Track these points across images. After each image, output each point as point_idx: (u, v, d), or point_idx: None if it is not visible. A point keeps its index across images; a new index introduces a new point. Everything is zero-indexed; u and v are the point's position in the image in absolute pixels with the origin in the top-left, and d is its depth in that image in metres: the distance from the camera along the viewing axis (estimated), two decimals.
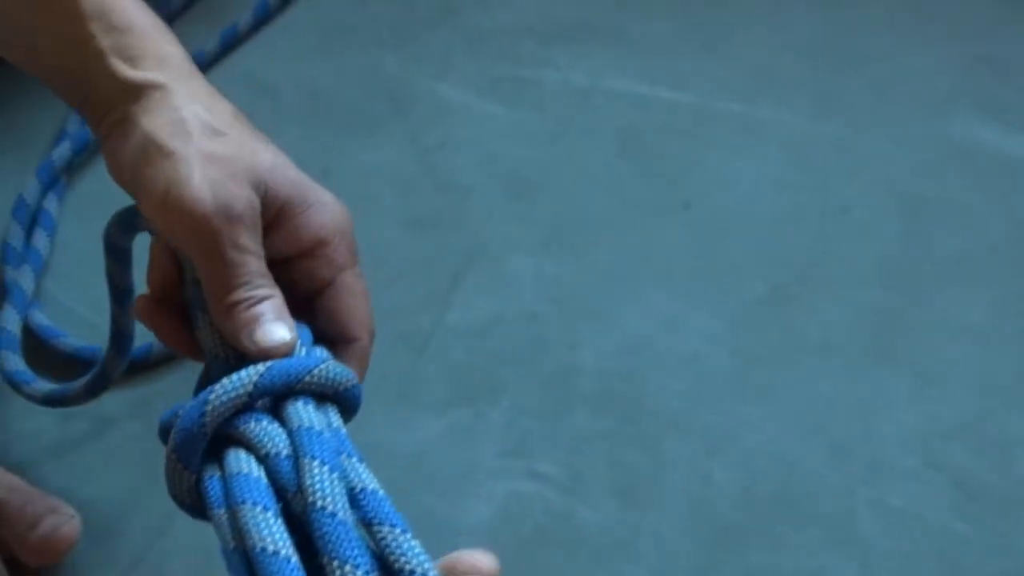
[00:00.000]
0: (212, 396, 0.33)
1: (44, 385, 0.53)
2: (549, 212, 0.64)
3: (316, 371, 0.34)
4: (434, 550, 0.50)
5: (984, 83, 0.71)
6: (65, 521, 0.48)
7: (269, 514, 0.31)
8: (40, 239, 0.62)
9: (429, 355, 0.58)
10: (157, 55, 0.39)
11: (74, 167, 0.68)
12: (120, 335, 0.49)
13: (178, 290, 0.39)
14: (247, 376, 0.33)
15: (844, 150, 0.67)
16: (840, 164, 0.67)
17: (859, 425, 0.54)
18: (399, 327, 0.58)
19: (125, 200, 0.68)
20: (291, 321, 0.36)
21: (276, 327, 0.35)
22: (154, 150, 0.36)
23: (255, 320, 0.35)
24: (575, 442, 0.54)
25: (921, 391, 0.56)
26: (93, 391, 0.51)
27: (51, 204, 0.64)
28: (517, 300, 0.60)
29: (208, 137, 0.37)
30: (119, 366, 0.50)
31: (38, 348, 0.58)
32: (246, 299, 0.36)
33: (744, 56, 0.73)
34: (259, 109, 0.70)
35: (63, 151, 0.66)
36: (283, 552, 0.30)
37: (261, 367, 0.34)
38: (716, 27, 0.74)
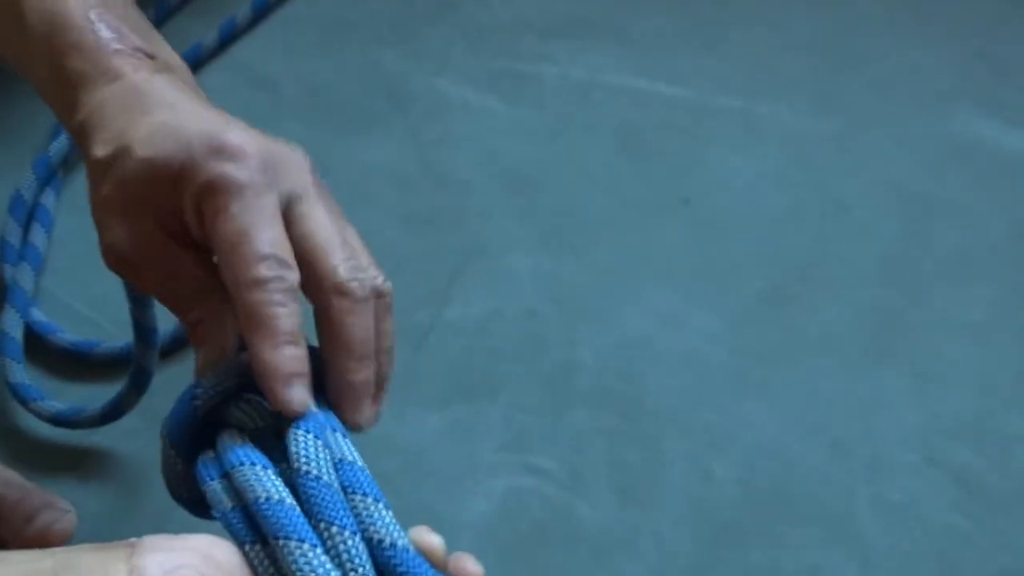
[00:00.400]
0: (204, 381, 0.34)
1: (52, 404, 0.53)
2: (548, 209, 0.64)
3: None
4: None
5: (984, 81, 0.71)
6: (60, 516, 0.48)
7: (269, 471, 0.31)
8: (38, 236, 0.62)
9: (428, 351, 0.57)
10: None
11: (70, 161, 0.67)
12: (140, 371, 0.50)
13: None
14: (239, 364, 0.34)
15: (844, 148, 0.67)
16: (840, 162, 0.67)
17: (859, 423, 0.54)
18: (398, 323, 0.58)
19: None
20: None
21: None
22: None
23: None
24: (574, 439, 0.54)
25: (921, 389, 0.56)
26: (105, 420, 0.51)
27: (48, 200, 0.64)
28: (516, 297, 0.60)
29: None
30: (135, 401, 0.50)
31: (35, 343, 0.58)
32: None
33: (744, 53, 0.73)
34: (258, 104, 0.70)
35: (59, 145, 0.65)
36: (287, 500, 0.30)
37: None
38: (716, 24, 0.74)
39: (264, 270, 0.34)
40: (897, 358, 0.57)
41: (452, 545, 0.51)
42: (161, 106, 0.37)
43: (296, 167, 0.37)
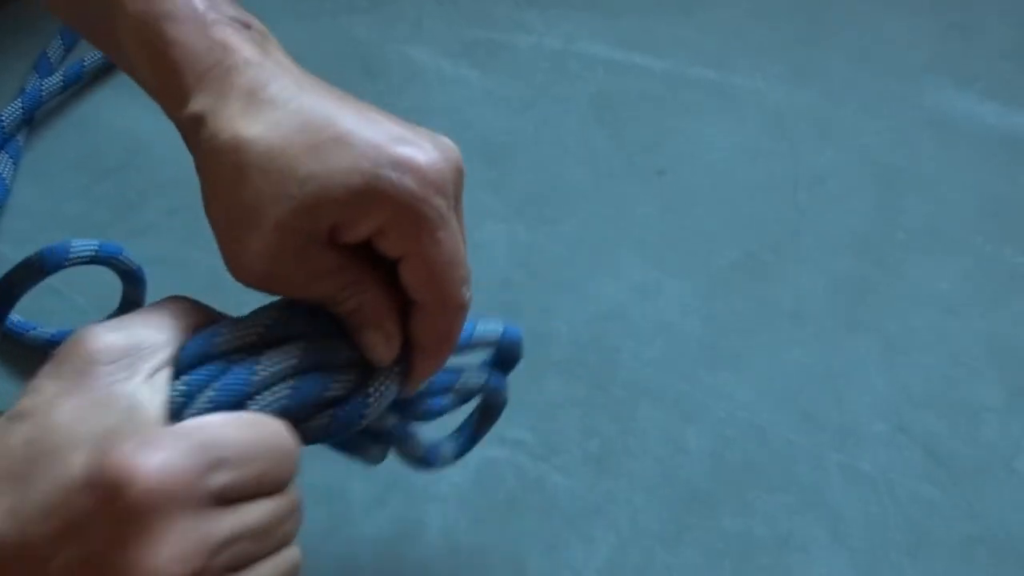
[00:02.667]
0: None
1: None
2: (523, 179, 0.64)
3: None
4: (407, 515, 0.50)
5: (958, 53, 0.71)
6: None
7: None
8: None
9: None
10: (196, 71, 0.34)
11: (41, 126, 0.66)
12: None
13: None
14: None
15: (818, 119, 0.67)
16: (814, 133, 0.67)
17: (830, 392, 0.55)
18: None
19: (83, 158, 0.66)
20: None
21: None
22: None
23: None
24: (548, 409, 0.54)
25: (891, 359, 0.56)
26: None
27: (5, 167, 0.63)
28: (490, 267, 0.60)
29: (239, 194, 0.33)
30: None
31: (11, 344, 0.56)
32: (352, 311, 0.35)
33: (720, 23, 0.72)
34: None
35: (14, 110, 0.64)
36: None
37: None
38: None
39: (465, 294, 0.35)
40: (868, 329, 0.57)
41: (426, 517, 0.51)
42: (296, 107, 0.33)
43: (460, 176, 0.35)
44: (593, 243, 0.61)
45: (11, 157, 0.63)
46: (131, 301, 0.49)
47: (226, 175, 0.33)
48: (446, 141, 0.35)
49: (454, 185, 0.34)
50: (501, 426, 0.53)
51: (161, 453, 0.28)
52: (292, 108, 0.33)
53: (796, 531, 0.50)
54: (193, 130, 0.34)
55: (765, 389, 0.55)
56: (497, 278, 0.59)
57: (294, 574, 0.33)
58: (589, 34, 0.71)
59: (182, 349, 0.33)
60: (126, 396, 0.30)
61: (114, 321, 0.32)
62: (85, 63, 0.67)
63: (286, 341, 0.34)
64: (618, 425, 0.54)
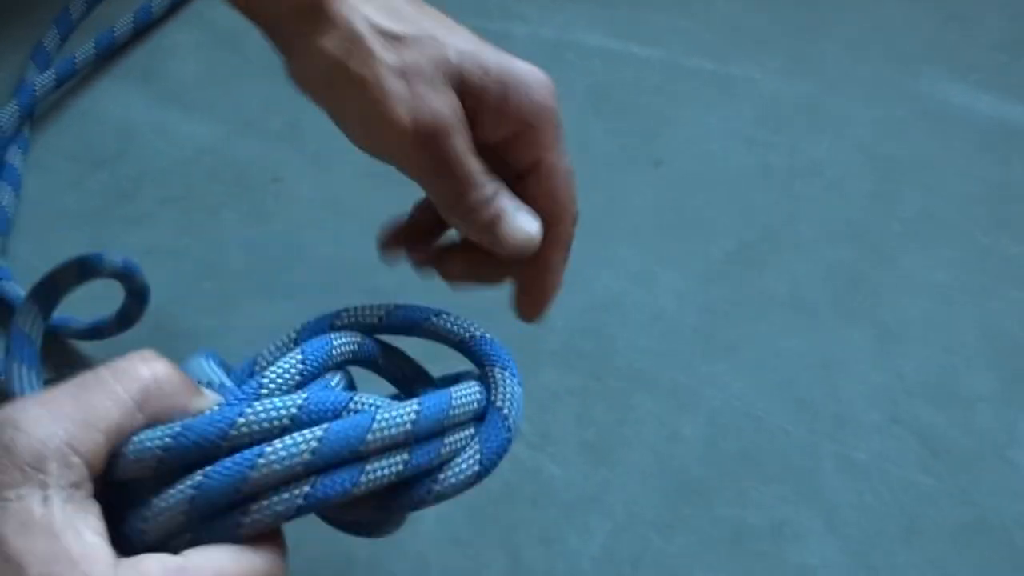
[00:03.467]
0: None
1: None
2: None
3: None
4: None
5: (955, 44, 0.71)
6: None
7: None
8: (5, 195, 0.60)
9: None
10: None
11: (35, 118, 0.66)
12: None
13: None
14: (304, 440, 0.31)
15: (815, 109, 0.67)
16: (811, 123, 0.67)
17: (825, 381, 0.55)
18: (362, 284, 0.58)
19: (77, 148, 0.66)
20: (526, 206, 0.37)
21: (522, 219, 0.37)
22: (338, 76, 0.35)
23: (499, 218, 0.36)
24: (543, 398, 0.54)
25: (886, 348, 0.56)
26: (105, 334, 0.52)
27: (15, 158, 0.63)
28: None
29: (388, 48, 0.35)
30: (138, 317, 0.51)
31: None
32: (479, 201, 0.36)
33: (716, 13, 0.72)
34: (222, 61, 0.69)
35: (11, 112, 0.63)
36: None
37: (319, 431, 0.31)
38: None
39: (574, 208, 0.38)
40: (863, 318, 0.57)
41: (419, 514, 0.52)
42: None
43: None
44: (589, 233, 0.61)
45: (20, 148, 0.63)
46: (128, 315, 0.50)
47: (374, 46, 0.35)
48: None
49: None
50: None
51: None
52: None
53: (790, 519, 0.50)
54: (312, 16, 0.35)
55: (760, 378, 0.55)
56: None
57: None
58: (585, 24, 0.71)
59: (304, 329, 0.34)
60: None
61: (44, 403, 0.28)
62: (76, 59, 0.66)
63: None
64: (613, 414, 0.54)
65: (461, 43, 0.36)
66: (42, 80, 0.65)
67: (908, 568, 0.49)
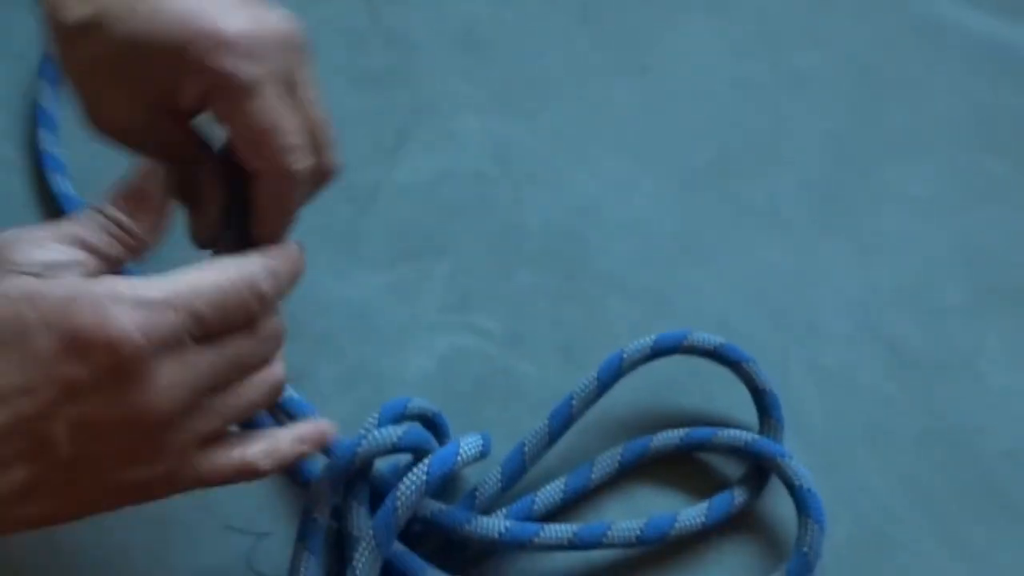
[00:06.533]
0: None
1: None
2: (501, 70, 0.63)
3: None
4: (374, 399, 0.51)
5: None
6: None
7: None
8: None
9: (374, 211, 0.57)
10: None
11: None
12: None
13: None
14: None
15: (806, 21, 0.66)
16: (801, 36, 0.66)
17: (799, 292, 0.55)
18: (344, 181, 0.57)
19: None
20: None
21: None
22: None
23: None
24: (517, 299, 0.54)
25: (862, 260, 0.56)
26: None
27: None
28: (464, 158, 0.59)
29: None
30: None
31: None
32: None
33: None
34: None
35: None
36: None
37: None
38: None
39: (292, 162, 0.37)
40: (840, 231, 0.57)
41: (395, 399, 0.52)
42: None
43: (289, 49, 0.37)
44: (570, 137, 0.61)
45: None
46: None
47: (76, 32, 0.35)
48: (273, 16, 0.37)
49: (279, 56, 0.36)
50: (470, 315, 0.54)
51: (142, 312, 0.31)
52: None
53: (756, 421, 0.50)
54: None
55: (734, 286, 0.55)
56: (471, 169, 0.59)
57: (278, 391, 0.37)
58: None
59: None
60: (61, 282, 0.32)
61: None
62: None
63: None
64: (587, 317, 0.54)
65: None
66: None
67: (868, 469, 0.49)
